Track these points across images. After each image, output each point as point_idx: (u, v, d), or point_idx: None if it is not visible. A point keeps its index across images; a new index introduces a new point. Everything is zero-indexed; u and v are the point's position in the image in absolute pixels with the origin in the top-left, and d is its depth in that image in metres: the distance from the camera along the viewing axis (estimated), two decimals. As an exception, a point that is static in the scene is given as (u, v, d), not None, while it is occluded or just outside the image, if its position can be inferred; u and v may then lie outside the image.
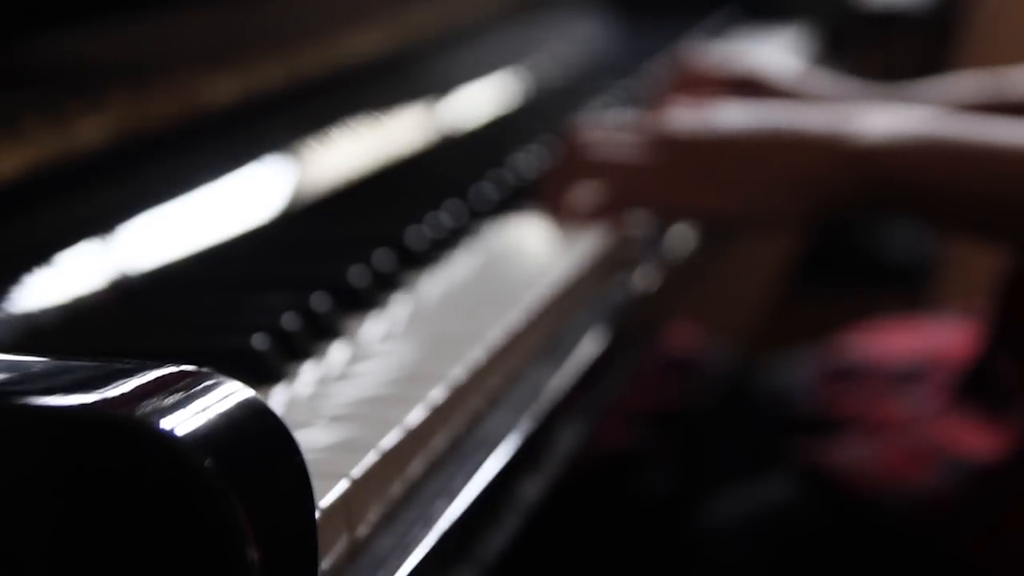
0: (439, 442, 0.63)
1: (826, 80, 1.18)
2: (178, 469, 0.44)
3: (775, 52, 1.54)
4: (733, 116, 0.97)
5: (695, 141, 0.95)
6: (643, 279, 0.90)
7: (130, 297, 0.79)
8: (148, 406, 0.45)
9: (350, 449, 0.58)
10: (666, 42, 1.49)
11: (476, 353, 0.68)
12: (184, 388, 0.47)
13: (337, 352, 0.70)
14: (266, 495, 0.45)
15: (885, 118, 0.94)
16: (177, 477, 0.44)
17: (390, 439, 0.59)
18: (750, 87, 1.16)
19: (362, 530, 0.56)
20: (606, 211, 0.93)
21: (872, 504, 0.95)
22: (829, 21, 1.78)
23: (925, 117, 0.96)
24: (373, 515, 0.57)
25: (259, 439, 0.47)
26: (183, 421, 0.44)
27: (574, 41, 1.59)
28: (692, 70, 1.20)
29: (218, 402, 0.47)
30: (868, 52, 1.86)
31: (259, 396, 0.48)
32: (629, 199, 0.94)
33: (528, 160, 1.04)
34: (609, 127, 0.99)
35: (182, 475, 0.44)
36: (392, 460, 0.59)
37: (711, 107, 1.01)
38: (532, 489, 0.64)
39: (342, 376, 0.67)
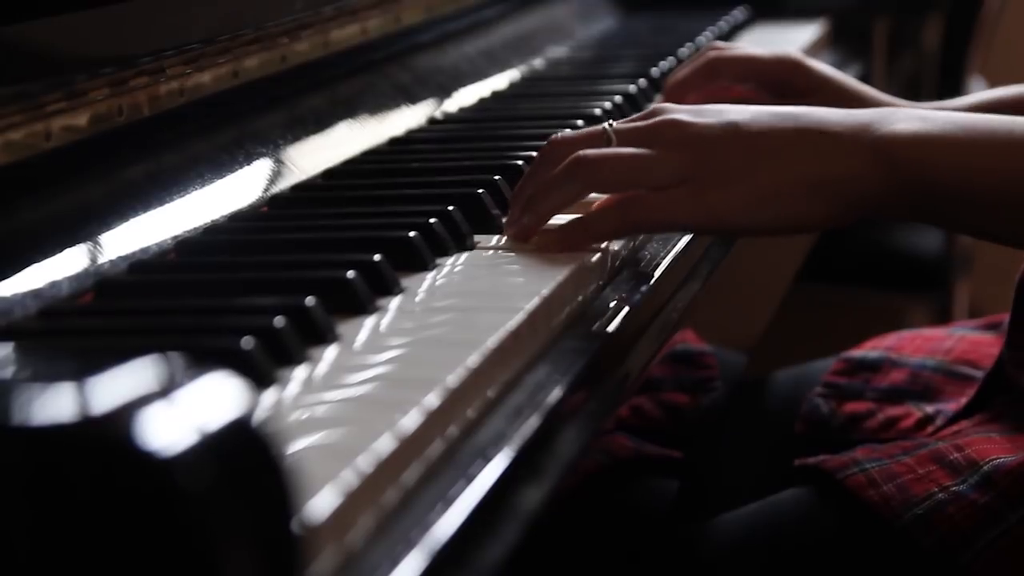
0: (434, 449, 0.62)
1: (861, 84, 1.14)
2: (154, 484, 0.44)
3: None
4: (747, 110, 0.88)
5: (705, 134, 0.86)
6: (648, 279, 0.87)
7: (111, 295, 0.78)
8: (124, 417, 0.44)
9: (342, 456, 0.57)
10: (676, 45, 1.47)
11: (473, 358, 0.67)
12: (164, 390, 0.47)
13: (330, 356, 0.69)
14: (247, 508, 0.45)
15: (920, 112, 0.87)
16: (153, 492, 0.44)
17: (384, 445, 0.58)
18: (786, 76, 1.12)
19: (354, 540, 0.55)
20: (591, 234, 0.86)
21: (884, 515, 0.93)
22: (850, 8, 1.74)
23: (964, 114, 0.89)
24: (365, 524, 0.56)
25: (240, 448, 0.47)
26: (161, 433, 0.44)
27: (577, 42, 1.57)
28: (717, 59, 1.14)
29: (198, 408, 0.46)
30: (891, 33, 1.84)
31: (243, 398, 0.47)
32: (624, 218, 0.85)
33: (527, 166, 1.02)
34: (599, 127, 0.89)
35: (158, 490, 0.44)
36: (386, 467, 0.58)
37: (721, 103, 0.92)
38: (531, 497, 0.63)
39: (335, 381, 0.66)
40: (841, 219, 0.87)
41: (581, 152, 0.86)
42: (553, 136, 0.90)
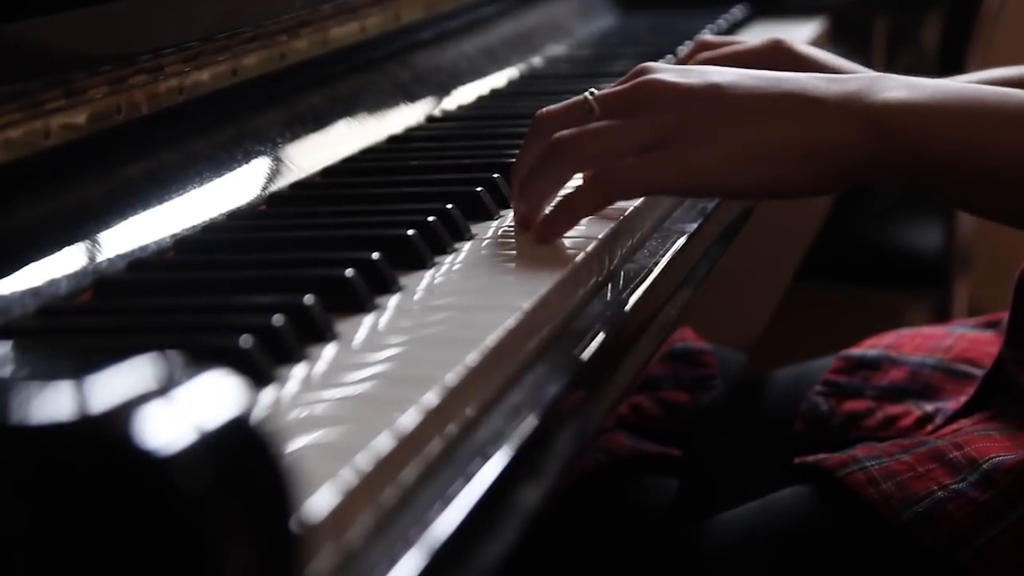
0: (433, 447, 0.62)
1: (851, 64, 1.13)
2: (153, 483, 0.43)
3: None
4: (732, 71, 0.87)
5: (688, 94, 0.84)
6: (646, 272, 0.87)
7: (110, 293, 0.78)
8: (122, 416, 0.44)
9: (341, 454, 0.56)
10: (675, 43, 1.46)
11: (471, 356, 0.67)
12: (163, 389, 0.47)
13: (328, 354, 0.69)
14: (245, 506, 0.45)
15: (910, 79, 0.86)
16: (152, 490, 0.44)
17: (382, 444, 0.58)
18: (776, 62, 1.11)
19: (353, 539, 0.55)
20: (575, 214, 0.85)
21: (884, 513, 0.93)
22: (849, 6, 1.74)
23: (958, 83, 0.87)
24: (364, 523, 0.56)
25: (239, 447, 0.47)
26: (159, 432, 0.44)
27: (576, 40, 1.56)
28: (707, 61, 1.14)
29: (196, 407, 0.46)
30: (891, 31, 1.83)
31: (242, 397, 0.47)
32: (605, 190, 0.84)
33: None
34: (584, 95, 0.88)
35: (156, 488, 0.44)
36: (385, 466, 0.57)
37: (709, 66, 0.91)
38: (530, 496, 0.62)
39: (333, 379, 0.66)
40: (827, 186, 0.85)
41: (556, 135, 0.85)
42: (538, 111, 0.90)
